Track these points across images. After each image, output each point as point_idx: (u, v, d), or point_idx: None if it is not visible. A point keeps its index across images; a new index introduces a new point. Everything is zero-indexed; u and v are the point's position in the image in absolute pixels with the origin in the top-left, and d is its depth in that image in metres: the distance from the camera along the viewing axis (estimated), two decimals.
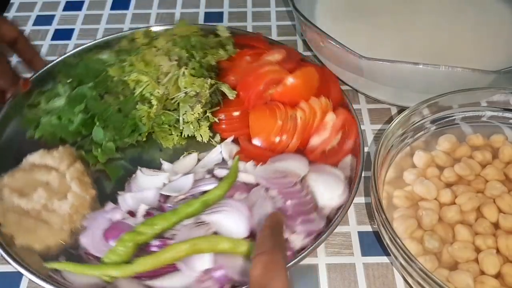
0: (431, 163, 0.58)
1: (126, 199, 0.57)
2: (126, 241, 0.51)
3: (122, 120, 0.63)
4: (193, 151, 0.64)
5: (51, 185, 0.58)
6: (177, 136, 0.65)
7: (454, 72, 0.56)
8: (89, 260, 0.53)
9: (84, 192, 0.58)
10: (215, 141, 0.65)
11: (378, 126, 0.70)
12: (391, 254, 0.50)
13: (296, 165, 0.58)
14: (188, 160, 0.63)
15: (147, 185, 0.59)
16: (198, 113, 0.63)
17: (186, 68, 0.64)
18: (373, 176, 0.51)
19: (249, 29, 0.86)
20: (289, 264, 0.50)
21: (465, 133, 0.61)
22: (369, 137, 0.68)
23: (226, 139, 0.65)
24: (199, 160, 0.63)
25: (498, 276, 0.48)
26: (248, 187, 0.57)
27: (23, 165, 0.60)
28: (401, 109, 0.71)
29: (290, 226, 0.52)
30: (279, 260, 0.38)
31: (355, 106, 0.69)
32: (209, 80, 0.64)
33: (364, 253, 0.57)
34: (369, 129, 0.69)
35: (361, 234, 0.59)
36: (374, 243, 0.58)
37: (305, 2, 0.72)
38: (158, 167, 0.63)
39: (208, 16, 0.89)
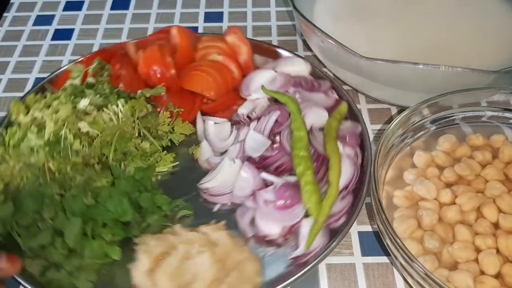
0: (431, 163, 0.58)
1: (239, 193, 0.58)
2: (308, 180, 0.55)
3: (137, 182, 0.58)
4: (197, 145, 0.65)
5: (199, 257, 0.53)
6: (165, 154, 0.64)
7: (454, 72, 0.56)
8: (287, 241, 0.56)
9: (216, 227, 0.57)
10: (191, 127, 0.67)
11: (378, 126, 0.70)
12: (391, 254, 0.50)
13: (274, 72, 0.69)
14: (204, 151, 0.64)
15: (229, 179, 0.59)
16: (168, 118, 0.64)
17: (117, 101, 0.61)
18: (373, 176, 0.51)
19: (249, 29, 0.86)
20: (296, 276, 0.51)
21: (465, 133, 0.61)
22: (369, 137, 0.68)
23: (194, 119, 0.68)
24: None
25: (498, 276, 0.48)
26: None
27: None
28: (401, 109, 0.71)
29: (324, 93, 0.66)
30: None
31: None
32: (138, 93, 0.64)
33: (364, 253, 0.57)
34: (369, 129, 0.69)
35: (361, 234, 0.59)
36: (374, 243, 0.58)
37: (305, 2, 0.72)
38: (191, 183, 0.62)
39: (208, 16, 0.89)
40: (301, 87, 0.66)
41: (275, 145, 0.61)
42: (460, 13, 0.74)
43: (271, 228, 0.55)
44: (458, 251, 0.49)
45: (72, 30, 0.88)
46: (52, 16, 0.91)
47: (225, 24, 0.87)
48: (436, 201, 0.54)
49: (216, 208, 0.60)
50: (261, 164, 0.60)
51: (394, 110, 0.72)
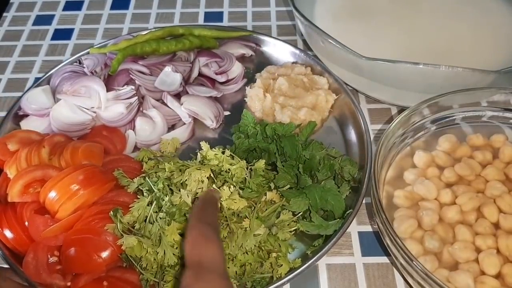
0: (431, 163, 0.58)
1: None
2: None
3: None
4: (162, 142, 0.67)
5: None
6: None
7: (454, 72, 0.56)
8: None
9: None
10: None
11: (378, 126, 0.70)
12: (391, 254, 0.50)
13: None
14: (174, 136, 0.68)
15: (207, 104, 0.70)
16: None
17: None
18: (373, 176, 0.51)
19: (249, 29, 0.86)
20: (295, 273, 0.51)
21: (466, 133, 0.61)
22: (370, 137, 0.68)
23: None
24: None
25: (498, 276, 0.48)
26: None
27: None
28: (401, 109, 0.71)
29: None
30: (207, 231, 0.40)
31: None
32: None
33: (364, 253, 0.57)
34: (369, 129, 0.69)
35: (361, 234, 0.59)
36: (374, 243, 0.58)
37: (305, 2, 0.72)
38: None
39: (208, 16, 0.89)
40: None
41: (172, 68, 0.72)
42: (460, 13, 0.74)
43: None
44: (459, 251, 0.49)
45: (71, 30, 0.88)
46: (52, 16, 0.91)
47: (225, 24, 0.87)
48: (436, 201, 0.54)
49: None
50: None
51: (394, 110, 0.72)
